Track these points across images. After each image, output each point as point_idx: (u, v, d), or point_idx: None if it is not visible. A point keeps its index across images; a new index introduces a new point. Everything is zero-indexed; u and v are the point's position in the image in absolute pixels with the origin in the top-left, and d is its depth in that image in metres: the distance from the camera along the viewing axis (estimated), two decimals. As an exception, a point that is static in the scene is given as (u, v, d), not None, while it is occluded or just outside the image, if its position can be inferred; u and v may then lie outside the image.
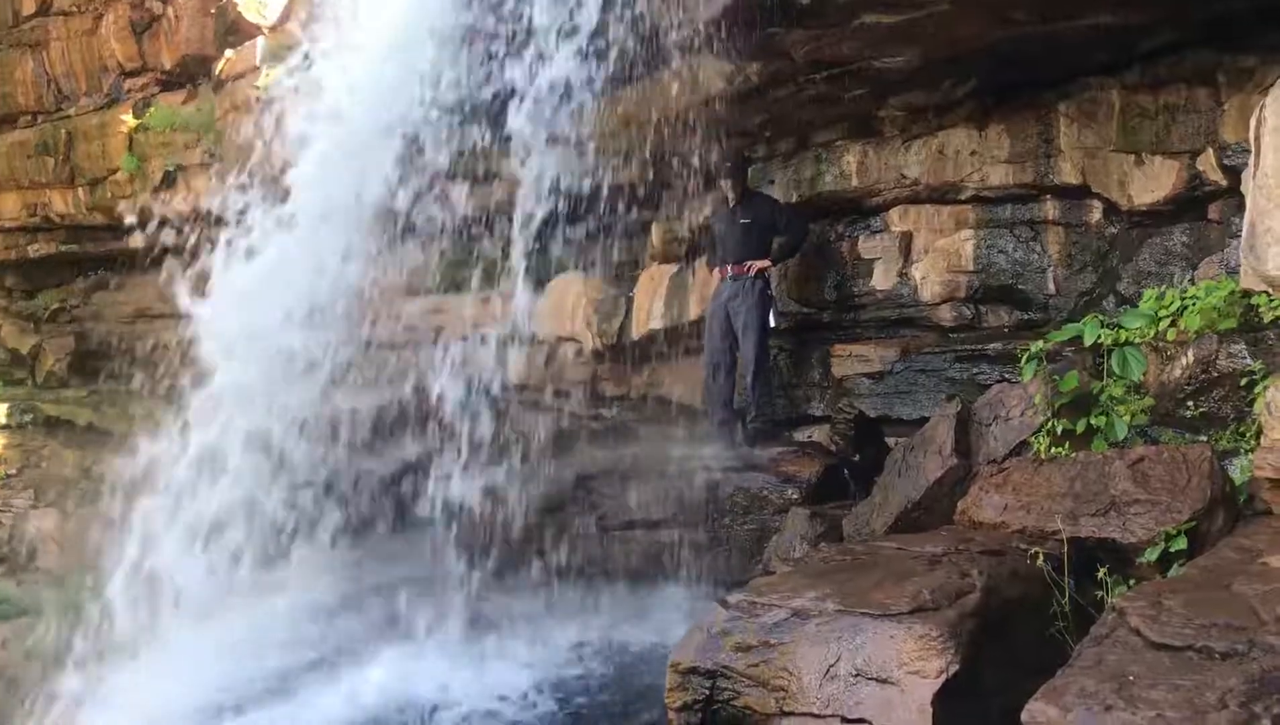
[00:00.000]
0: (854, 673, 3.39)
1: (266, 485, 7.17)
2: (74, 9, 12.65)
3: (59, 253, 13.72)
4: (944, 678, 3.25)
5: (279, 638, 6.70)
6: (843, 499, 6.43)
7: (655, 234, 9.09)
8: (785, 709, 3.47)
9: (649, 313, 8.96)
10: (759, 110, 7.68)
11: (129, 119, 12.22)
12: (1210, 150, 6.10)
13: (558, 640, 6.31)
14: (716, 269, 7.90)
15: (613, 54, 7.15)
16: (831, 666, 3.42)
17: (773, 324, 7.56)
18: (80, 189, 12.79)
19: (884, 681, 3.33)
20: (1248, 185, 3.88)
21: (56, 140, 12.74)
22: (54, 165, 12.79)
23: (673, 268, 8.95)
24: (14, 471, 12.16)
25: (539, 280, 9.15)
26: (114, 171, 12.32)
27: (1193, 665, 2.86)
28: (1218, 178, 6.10)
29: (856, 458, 6.96)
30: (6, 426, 12.66)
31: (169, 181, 11.95)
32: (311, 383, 7.57)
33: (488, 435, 7.44)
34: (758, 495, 6.65)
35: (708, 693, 3.65)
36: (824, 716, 3.39)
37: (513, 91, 7.62)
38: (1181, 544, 3.87)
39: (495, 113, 8.24)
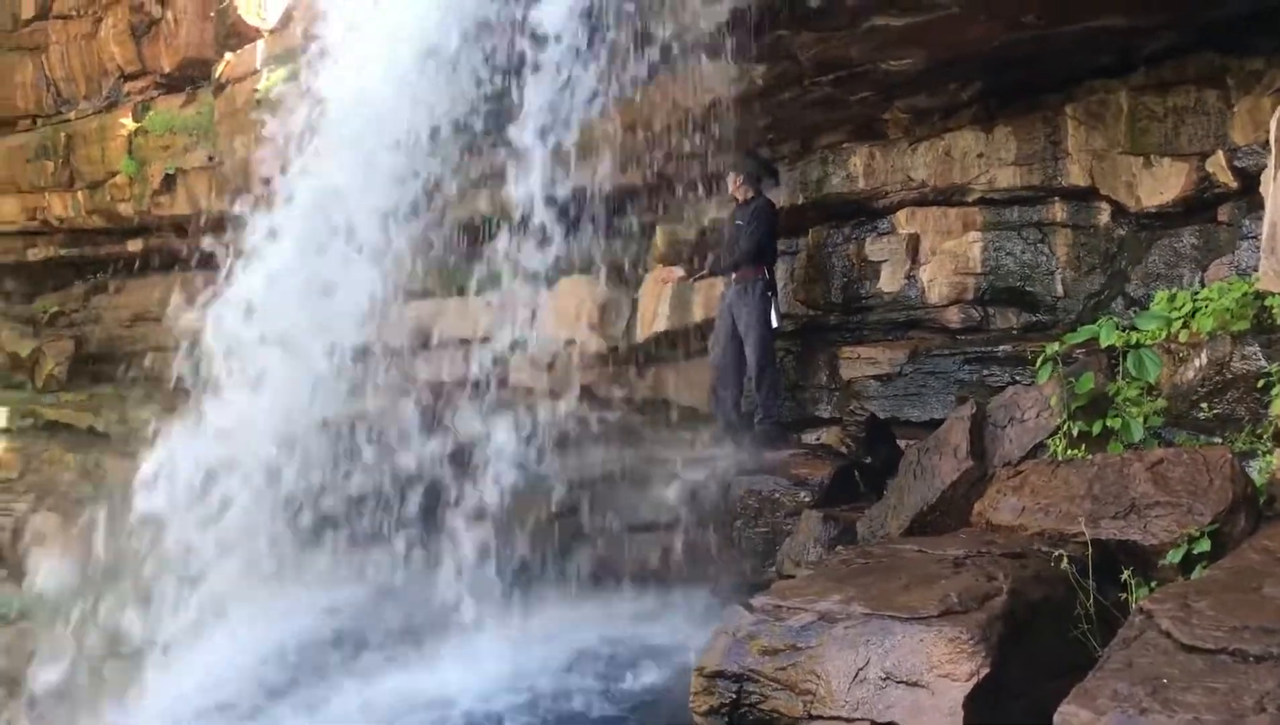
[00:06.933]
0: (883, 676, 3.39)
1: (276, 492, 7.16)
2: (73, 12, 12.63)
3: (58, 256, 13.70)
4: (975, 680, 3.25)
5: (290, 641, 6.69)
6: (854, 501, 6.41)
7: (660, 236, 9.08)
8: (813, 713, 3.47)
9: (654, 315, 8.96)
10: (764, 113, 7.68)
11: (128, 122, 12.20)
12: (1220, 152, 6.14)
13: (567, 644, 6.28)
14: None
15: (619, 57, 7.15)
16: (860, 670, 3.42)
17: (775, 324, 7.56)
18: (80, 193, 12.77)
19: (914, 685, 3.33)
20: (1268, 187, 3.90)
21: (56, 144, 12.72)
22: (53, 169, 12.76)
23: (678, 270, 8.94)
24: (14, 475, 12.10)
25: (543, 283, 9.13)
26: (114, 175, 12.30)
27: (1227, 668, 2.87)
28: (1227, 180, 6.13)
29: (868, 460, 6.95)
30: (7, 430, 12.61)
31: (169, 185, 11.93)
32: (319, 389, 7.56)
33: (493, 440, 7.42)
34: (769, 498, 6.62)
35: (734, 696, 3.65)
36: (853, 720, 3.39)
37: (517, 93, 7.62)
38: (1205, 546, 3.88)
39: (498, 115, 8.24)
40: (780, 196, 8.03)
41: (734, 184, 7.75)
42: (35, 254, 13.79)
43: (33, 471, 12.10)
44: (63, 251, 13.60)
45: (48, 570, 10.97)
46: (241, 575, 6.98)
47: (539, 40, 7.28)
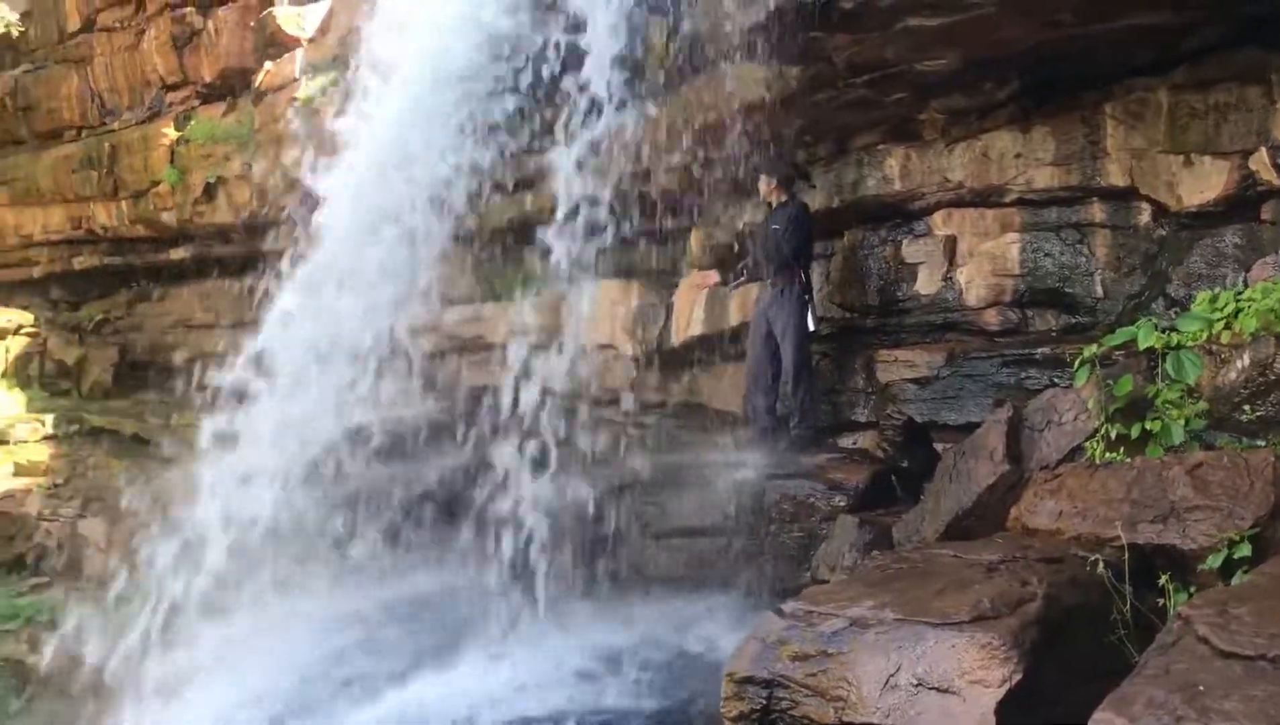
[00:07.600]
0: (915, 682, 3.35)
1: (316, 494, 7.22)
2: (117, 25, 12.85)
3: (103, 265, 13.92)
4: (1007, 687, 3.21)
5: (325, 644, 6.74)
6: (890, 506, 6.37)
7: (694, 240, 9.06)
8: (844, 719, 3.44)
9: (689, 319, 8.94)
10: (798, 115, 7.64)
11: (170, 132, 12.38)
12: (1263, 150, 6.00)
13: (600, 648, 6.29)
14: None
15: (653, 60, 7.16)
16: (891, 676, 3.39)
17: (811, 328, 7.51)
18: (123, 202, 12.97)
19: (945, 691, 3.29)
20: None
21: (100, 154, 12.93)
22: (98, 178, 12.98)
23: (713, 274, 8.93)
24: (61, 481, 12.29)
25: (578, 288, 9.15)
26: (156, 184, 12.49)
27: (1266, 675, 2.81)
28: (1271, 178, 6.00)
29: (905, 464, 6.88)
30: (53, 437, 12.82)
31: (210, 193, 12.08)
32: (356, 394, 7.62)
33: (527, 444, 7.44)
34: (804, 502, 6.59)
35: (765, 702, 3.62)
36: (884, 726, 3.36)
37: (554, 100, 7.66)
38: (1245, 551, 3.80)
39: (535, 120, 8.28)
40: (815, 199, 7.97)
41: (766, 187, 7.72)
42: (81, 262, 14.04)
43: (79, 477, 12.28)
44: (107, 260, 13.83)
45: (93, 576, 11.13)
46: (277, 580, 7.04)
47: (575, 45, 7.34)
